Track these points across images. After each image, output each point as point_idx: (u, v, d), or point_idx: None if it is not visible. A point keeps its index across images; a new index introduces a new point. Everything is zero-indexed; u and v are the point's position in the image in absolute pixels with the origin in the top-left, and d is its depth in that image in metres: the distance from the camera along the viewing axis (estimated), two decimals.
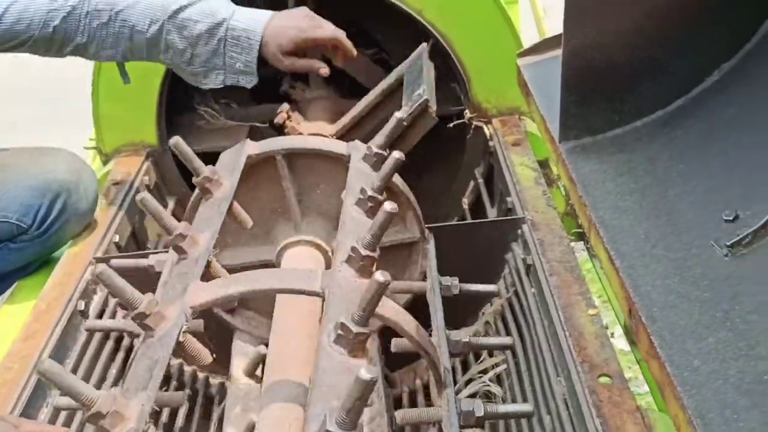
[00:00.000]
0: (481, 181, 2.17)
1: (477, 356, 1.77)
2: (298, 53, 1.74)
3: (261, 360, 1.44)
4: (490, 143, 2.10)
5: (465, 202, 2.25)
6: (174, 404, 1.25)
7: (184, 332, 1.04)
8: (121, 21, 1.70)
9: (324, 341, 1.02)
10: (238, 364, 1.54)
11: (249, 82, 1.77)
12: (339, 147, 1.51)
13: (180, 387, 1.77)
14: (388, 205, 1.10)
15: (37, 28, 1.67)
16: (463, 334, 1.39)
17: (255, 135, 2.28)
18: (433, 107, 1.73)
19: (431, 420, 1.24)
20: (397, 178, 1.55)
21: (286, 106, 2.11)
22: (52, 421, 1.38)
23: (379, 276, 0.98)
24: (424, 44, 2.01)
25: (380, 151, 1.44)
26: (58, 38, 1.70)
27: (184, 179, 2.29)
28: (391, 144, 1.58)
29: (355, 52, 1.81)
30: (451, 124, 2.18)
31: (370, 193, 1.32)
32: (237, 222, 1.40)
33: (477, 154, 2.20)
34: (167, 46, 1.73)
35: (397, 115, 1.44)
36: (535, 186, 1.82)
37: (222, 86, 1.80)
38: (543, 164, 2.03)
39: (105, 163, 2.21)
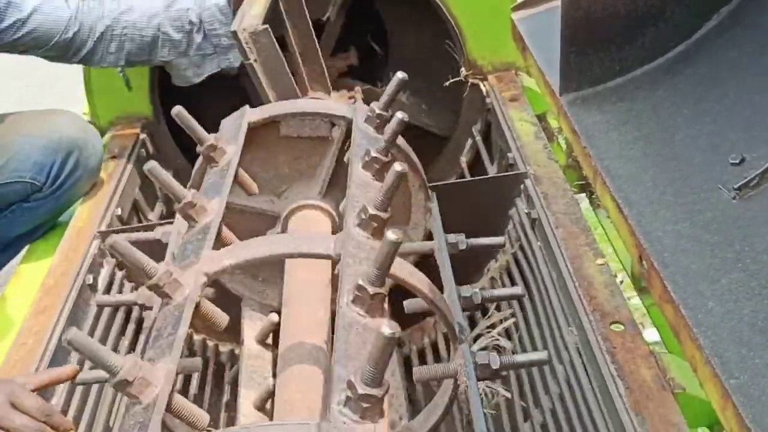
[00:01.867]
0: (479, 138, 2.16)
1: (484, 312, 1.79)
2: None
3: (272, 328, 1.45)
4: (487, 100, 2.09)
5: (463, 160, 2.25)
6: (192, 370, 1.26)
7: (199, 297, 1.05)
8: (124, 21, 1.83)
9: (342, 303, 1.02)
10: (249, 333, 1.55)
11: (238, 57, 1.84)
12: (342, 109, 1.50)
13: (191, 355, 1.79)
14: (398, 166, 1.09)
15: (58, 34, 1.76)
16: (472, 290, 1.41)
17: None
18: (251, 23, 1.66)
19: (447, 375, 1.25)
20: (401, 141, 1.55)
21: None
22: (69, 395, 1.40)
23: (391, 234, 0.98)
24: None
25: (383, 113, 1.43)
26: (74, 45, 1.81)
27: (181, 151, 2.28)
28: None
29: None
30: (447, 83, 2.18)
31: (375, 155, 1.31)
32: (243, 188, 1.40)
33: (474, 111, 2.20)
34: (164, 41, 1.85)
35: (399, 75, 1.43)
36: (535, 140, 1.82)
37: (217, 70, 1.92)
38: (540, 118, 2.03)
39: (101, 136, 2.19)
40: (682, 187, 1.20)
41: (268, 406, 1.36)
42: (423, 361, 1.86)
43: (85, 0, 1.81)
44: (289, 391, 1.19)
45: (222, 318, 1.09)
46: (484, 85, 2.12)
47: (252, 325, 1.58)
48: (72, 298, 1.53)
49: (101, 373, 1.42)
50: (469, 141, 2.21)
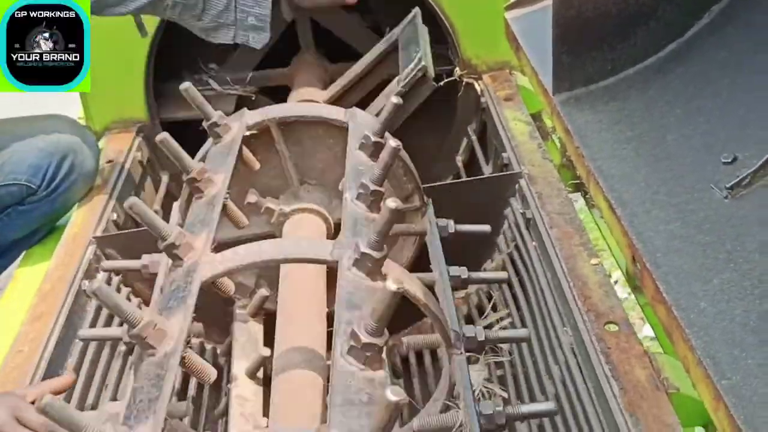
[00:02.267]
0: (474, 138, 2.16)
1: (481, 312, 1.79)
2: None
3: (262, 363, 1.42)
4: (482, 100, 2.09)
5: (459, 160, 2.26)
6: (178, 414, 1.27)
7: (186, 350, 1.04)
8: None
9: (344, 268, 1.07)
10: (240, 365, 1.52)
11: (259, 41, 1.76)
12: (337, 113, 1.50)
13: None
14: (392, 202, 1.06)
15: None
16: (459, 270, 1.43)
17: (245, 103, 2.26)
18: (431, 73, 1.73)
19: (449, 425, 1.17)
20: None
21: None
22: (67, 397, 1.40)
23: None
24: (417, 8, 1.99)
25: (379, 140, 1.39)
26: None
27: None
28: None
29: None
30: (442, 83, 2.17)
31: (371, 187, 1.26)
32: (231, 221, 1.40)
33: (469, 111, 2.20)
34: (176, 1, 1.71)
35: (393, 100, 1.39)
36: (529, 140, 1.82)
37: (230, 42, 1.78)
38: (535, 117, 2.03)
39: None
40: (674, 186, 1.20)
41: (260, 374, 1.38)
42: (420, 362, 1.86)
43: None
44: (286, 396, 1.19)
45: (210, 371, 1.09)
46: (479, 85, 2.12)
47: (243, 360, 1.55)
48: (68, 304, 1.54)
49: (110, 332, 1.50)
50: (465, 141, 2.21)
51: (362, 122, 1.45)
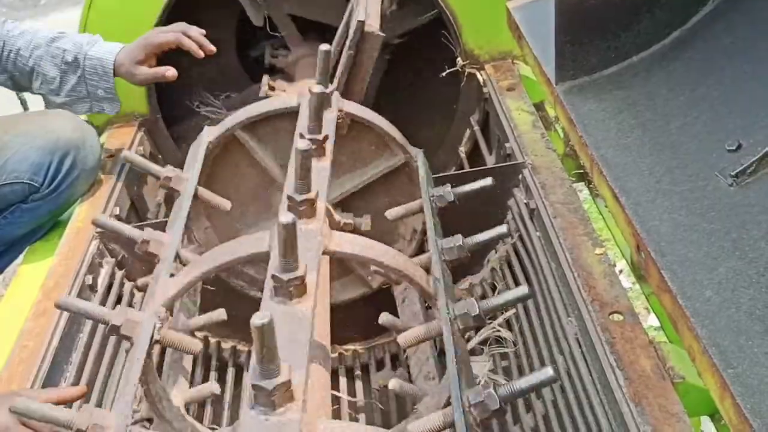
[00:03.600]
0: (477, 128, 2.15)
1: None
2: (149, 61, 1.86)
3: None
4: (484, 90, 2.08)
5: (462, 150, 2.25)
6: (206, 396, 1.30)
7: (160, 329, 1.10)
8: (10, 45, 1.87)
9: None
10: None
11: (113, 109, 1.93)
12: (290, 101, 1.51)
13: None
14: (303, 144, 1.13)
15: None
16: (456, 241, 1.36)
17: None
18: (373, 28, 1.70)
19: (431, 335, 1.22)
20: (369, 113, 1.57)
21: (266, 78, 2.15)
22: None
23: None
24: None
25: (324, 91, 1.41)
26: None
27: (179, 147, 2.28)
28: (348, 77, 1.66)
29: (200, 53, 1.83)
30: (444, 73, 2.17)
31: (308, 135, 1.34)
32: (213, 208, 1.41)
33: (471, 101, 2.19)
34: (38, 74, 1.89)
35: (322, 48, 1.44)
36: (533, 130, 1.81)
37: (89, 113, 1.97)
38: (538, 107, 2.02)
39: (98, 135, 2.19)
40: (679, 175, 1.19)
41: None
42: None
43: None
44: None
45: (194, 345, 1.13)
46: (481, 75, 2.11)
47: None
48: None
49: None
50: (468, 131, 2.20)
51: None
